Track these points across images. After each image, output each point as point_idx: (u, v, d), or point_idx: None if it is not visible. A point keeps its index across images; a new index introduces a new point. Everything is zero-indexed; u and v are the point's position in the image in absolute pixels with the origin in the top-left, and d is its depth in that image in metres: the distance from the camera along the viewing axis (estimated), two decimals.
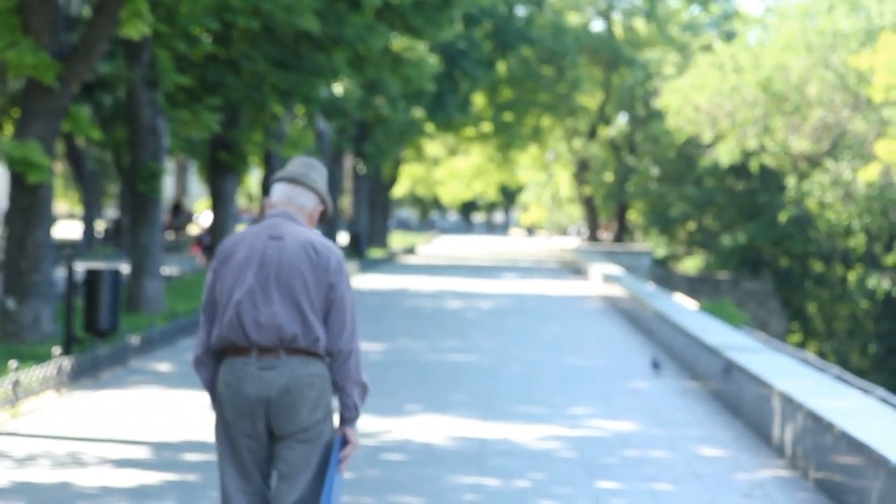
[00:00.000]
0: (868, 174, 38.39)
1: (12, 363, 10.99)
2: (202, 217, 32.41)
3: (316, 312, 4.88)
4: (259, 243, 4.93)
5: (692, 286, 47.74)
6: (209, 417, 10.97)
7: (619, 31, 58.18)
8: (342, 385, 4.93)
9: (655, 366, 15.11)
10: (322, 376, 4.89)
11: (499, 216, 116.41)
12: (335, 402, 5.01)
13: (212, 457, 9.30)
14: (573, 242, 62.54)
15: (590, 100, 59.19)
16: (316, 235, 5.00)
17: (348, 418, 4.95)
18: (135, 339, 14.57)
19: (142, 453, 9.31)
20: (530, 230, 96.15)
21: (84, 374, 12.66)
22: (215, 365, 4.99)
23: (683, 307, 20.59)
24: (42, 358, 13.28)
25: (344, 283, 4.94)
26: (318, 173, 5.11)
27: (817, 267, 51.16)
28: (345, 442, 4.94)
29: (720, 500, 8.30)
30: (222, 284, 4.93)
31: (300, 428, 4.86)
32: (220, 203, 26.60)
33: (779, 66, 41.93)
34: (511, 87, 53.04)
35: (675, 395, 13.30)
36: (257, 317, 4.84)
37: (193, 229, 32.44)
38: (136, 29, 15.83)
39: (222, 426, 4.97)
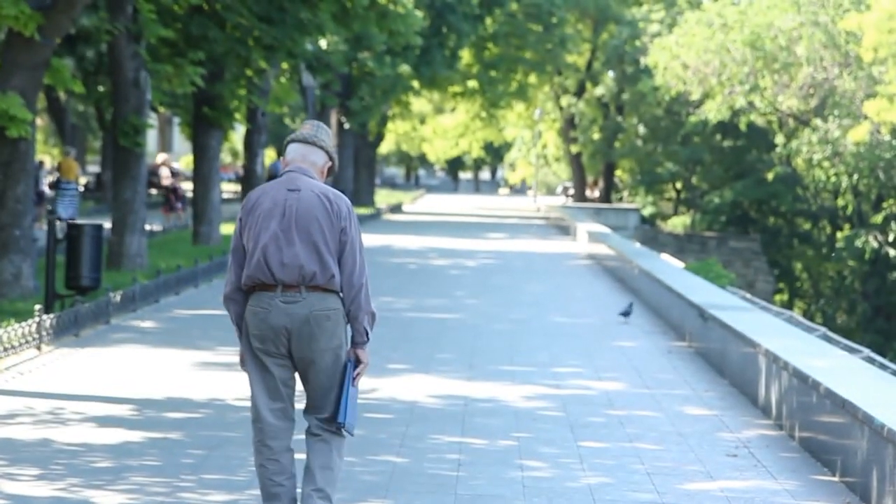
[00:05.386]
0: (858, 133, 38.29)
1: None
2: (164, 171, 31.22)
3: (331, 253, 5.67)
4: (280, 195, 5.69)
5: (679, 245, 47.75)
6: (192, 375, 10.91)
7: None
8: (355, 314, 5.72)
9: (626, 314, 15.91)
10: (337, 310, 5.68)
11: (485, 174, 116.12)
12: (348, 330, 5.76)
13: (194, 415, 9.25)
14: (560, 201, 62.46)
15: (578, 58, 58.93)
16: (327, 187, 5.76)
17: (359, 342, 5.75)
18: (117, 296, 14.45)
19: (124, 411, 9.24)
20: (515, 189, 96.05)
21: (65, 331, 12.56)
22: (243, 301, 5.75)
23: (669, 266, 20.57)
24: (22, 314, 13.17)
25: (353, 227, 5.74)
26: (326, 134, 5.88)
27: (805, 226, 51.19)
28: (357, 362, 5.74)
29: (705, 460, 8.27)
30: (249, 232, 5.70)
31: (320, 354, 5.64)
32: (205, 159, 26.39)
33: (766, 25, 41.73)
34: (498, 44, 52.74)
35: (660, 354, 13.27)
36: (281, 258, 5.62)
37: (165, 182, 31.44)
38: None
39: (248, 353, 5.72)
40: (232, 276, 5.75)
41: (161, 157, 33.85)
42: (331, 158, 5.86)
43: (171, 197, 31.22)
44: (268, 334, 5.62)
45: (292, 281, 5.60)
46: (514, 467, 7.86)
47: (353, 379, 5.71)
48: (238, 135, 55.78)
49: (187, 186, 44.04)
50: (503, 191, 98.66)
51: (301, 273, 5.60)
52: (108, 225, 20.07)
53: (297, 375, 5.81)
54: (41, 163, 33.61)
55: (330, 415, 5.72)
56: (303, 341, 5.62)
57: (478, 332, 14.68)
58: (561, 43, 52.40)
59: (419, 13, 27.65)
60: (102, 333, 13.26)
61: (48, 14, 15.12)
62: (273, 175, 38.94)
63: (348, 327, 5.79)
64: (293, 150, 5.83)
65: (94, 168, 65.23)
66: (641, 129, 56.47)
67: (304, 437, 5.89)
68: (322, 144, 5.84)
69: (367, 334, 5.74)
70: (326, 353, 5.66)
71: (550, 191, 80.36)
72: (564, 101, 60.59)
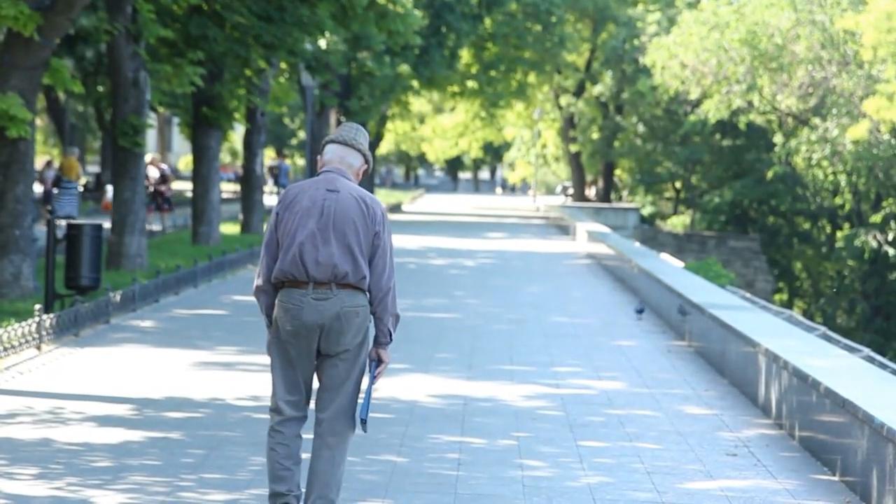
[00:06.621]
0: (857, 132, 38.25)
1: None
2: (151, 170, 30.68)
3: (364, 255, 5.85)
4: (319, 194, 5.87)
5: (679, 244, 47.72)
6: (191, 375, 10.91)
7: None
8: (380, 315, 5.92)
9: (640, 311, 16.22)
10: (365, 307, 5.89)
11: (485, 173, 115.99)
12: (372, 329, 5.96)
13: (194, 414, 9.24)
14: (559, 200, 62.41)
15: (577, 57, 58.89)
16: (364, 191, 5.94)
17: (383, 342, 5.96)
18: (116, 296, 14.45)
19: (123, 410, 9.24)
20: (508, 187, 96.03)
21: (65, 331, 12.55)
22: (274, 293, 5.92)
23: (669, 265, 20.56)
24: (22, 314, 13.17)
25: (386, 232, 5.93)
26: (364, 137, 6.03)
27: (804, 225, 51.14)
28: (379, 361, 5.96)
29: (704, 459, 8.27)
30: (285, 227, 5.86)
31: (344, 349, 5.85)
32: (204, 159, 26.38)
33: (762, 24, 41.68)
34: (497, 43, 52.71)
35: (659, 354, 13.26)
36: (317, 256, 5.80)
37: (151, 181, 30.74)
38: None
39: (276, 345, 5.91)
40: (264, 268, 5.93)
41: (149, 157, 33.43)
42: (367, 161, 6.02)
43: (157, 198, 30.93)
44: (301, 331, 5.82)
45: (324, 279, 5.79)
46: (514, 467, 7.86)
47: (374, 378, 5.94)
48: (237, 135, 55.75)
49: (183, 187, 43.95)
50: (498, 190, 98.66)
51: (334, 272, 5.79)
52: (107, 225, 20.08)
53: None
54: (49, 162, 33.58)
55: (337, 410, 5.90)
56: (332, 336, 5.82)
57: (477, 332, 14.67)
58: (560, 42, 52.36)
59: (418, 13, 27.66)
60: (102, 333, 13.26)
61: (47, 14, 15.11)
62: (277, 175, 38.95)
63: (371, 326, 5.98)
64: (331, 150, 6.00)
65: (93, 168, 65.19)
66: (641, 129, 56.43)
67: (311, 436, 5.99)
68: (360, 147, 6.00)
69: (390, 335, 5.95)
70: (351, 347, 5.86)
71: (550, 190, 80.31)
72: (564, 100, 60.54)
